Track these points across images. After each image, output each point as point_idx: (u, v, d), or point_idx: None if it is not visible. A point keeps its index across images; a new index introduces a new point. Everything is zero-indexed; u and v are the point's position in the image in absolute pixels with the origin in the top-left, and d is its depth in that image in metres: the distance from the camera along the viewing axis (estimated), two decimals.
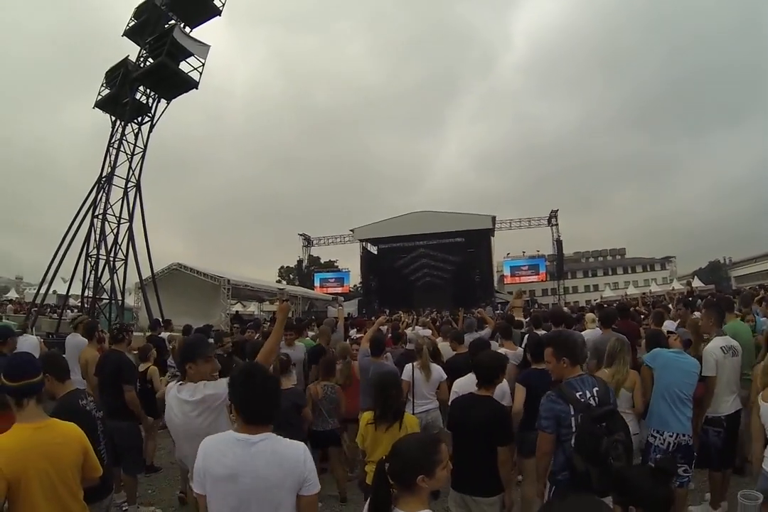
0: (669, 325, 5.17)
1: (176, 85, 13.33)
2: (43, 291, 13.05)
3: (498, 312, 16.51)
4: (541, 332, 4.94)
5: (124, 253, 12.92)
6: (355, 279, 37.91)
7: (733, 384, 3.45)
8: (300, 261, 36.66)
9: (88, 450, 1.97)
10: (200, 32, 13.83)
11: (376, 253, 35.34)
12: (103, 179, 12.84)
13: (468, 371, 3.22)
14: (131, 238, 12.98)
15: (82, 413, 2.38)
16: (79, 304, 14.27)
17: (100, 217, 12.57)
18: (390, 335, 6.12)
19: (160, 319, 9.41)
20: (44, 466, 1.78)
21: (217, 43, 15.43)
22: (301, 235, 36.08)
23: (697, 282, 25.28)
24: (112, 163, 12.89)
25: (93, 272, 12.44)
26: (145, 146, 13.50)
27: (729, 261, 49.32)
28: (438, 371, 4.18)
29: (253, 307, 28.51)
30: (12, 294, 29.07)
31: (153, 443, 4.82)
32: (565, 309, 10.96)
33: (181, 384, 2.39)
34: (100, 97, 13.50)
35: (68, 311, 14.70)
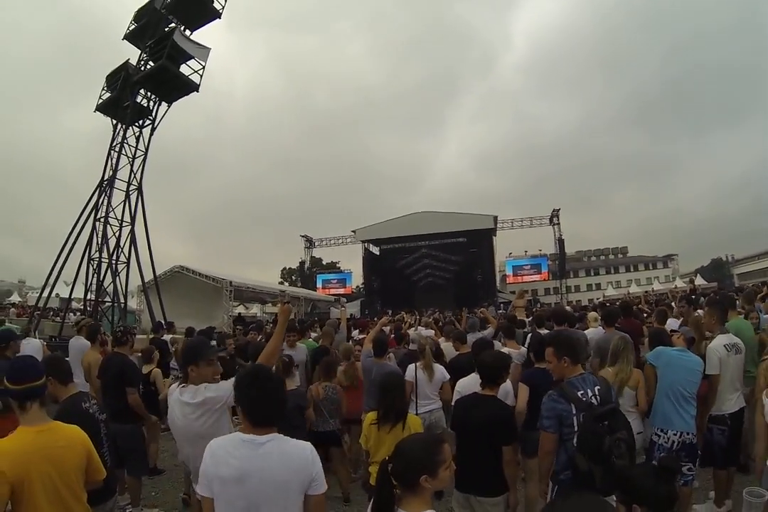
0: (672, 323, 5.16)
1: (177, 87, 13.36)
2: (45, 294, 13.09)
3: (500, 311, 16.52)
4: (543, 331, 4.95)
5: (127, 255, 12.99)
6: (357, 280, 38.03)
7: (736, 382, 3.43)
8: (302, 263, 36.65)
9: (91, 453, 1.97)
10: (200, 35, 13.90)
11: (378, 253, 35.31)
12: (105, 182, 12.88)
13: (471, 371, 3.22)
14: (133, 240, 13.01)
15: (85, 416, 2.38)
16: (82, 307, 14.34)
17: (102, 220, 12.59)
18: (393, 336, 6.13)
19: (163, 322, 9.46)
20: (47, 469, 1.78)
21: (217, 45, 15.40)
22: (302, 236, 36.15)
23: (699, 280, 25.28)
24: (113, 166, 12.93)
25: (95, 275, 12.47)
26: (146, 149, 13.56)
27: (732, 258, 49.12)
28: (441, 371, 4.17)
29: (255, 309, 28.63)
30: (15, 298, 29.24)
31: (156, 445, 4.82)
32: (568, 308, 10.96)
33: (182, 387, 2.38)
34: (101, 101, 13.53)
35: (71, 314, 14.81)
